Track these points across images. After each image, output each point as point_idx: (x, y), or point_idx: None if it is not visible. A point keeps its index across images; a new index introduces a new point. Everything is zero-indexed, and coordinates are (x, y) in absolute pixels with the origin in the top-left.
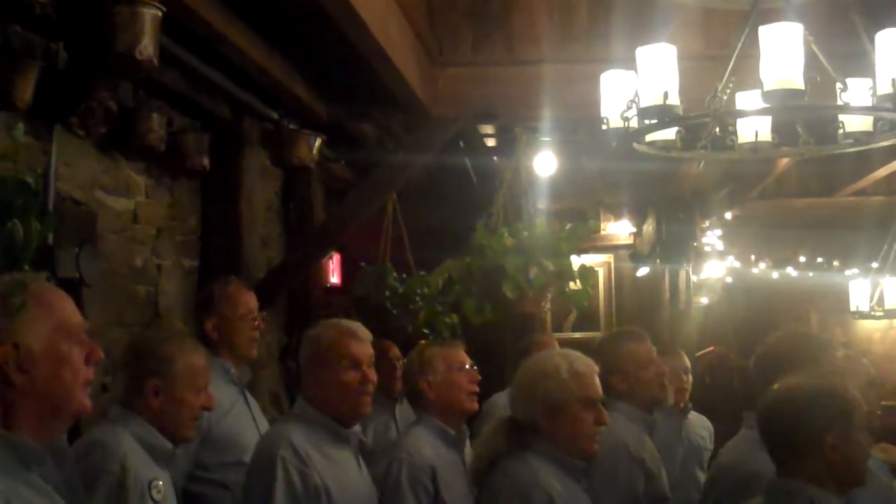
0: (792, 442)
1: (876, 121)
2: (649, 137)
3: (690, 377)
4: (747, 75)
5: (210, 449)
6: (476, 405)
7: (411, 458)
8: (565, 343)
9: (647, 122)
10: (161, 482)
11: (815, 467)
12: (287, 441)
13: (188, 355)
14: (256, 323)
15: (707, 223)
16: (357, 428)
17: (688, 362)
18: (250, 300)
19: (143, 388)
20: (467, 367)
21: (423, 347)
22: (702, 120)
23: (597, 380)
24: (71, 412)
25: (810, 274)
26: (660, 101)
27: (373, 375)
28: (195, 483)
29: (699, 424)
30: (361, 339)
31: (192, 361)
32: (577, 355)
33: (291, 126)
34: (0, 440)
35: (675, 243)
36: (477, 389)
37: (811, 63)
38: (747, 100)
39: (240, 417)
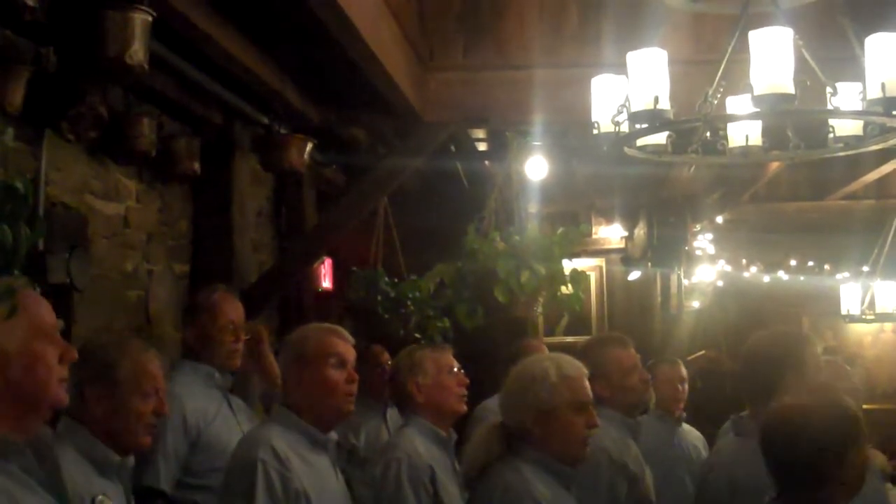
0: (814, 462)
1: (866, 125)
2: (640, 142)
3: (686, 387)
4: (737, 79)
5: (200, 455)
6: (465, 407)
7: (410, 458)
8: (557, 347)
9: (637, 126)
10: (106, 497)
11: (834, 485)
12: (267, 444)
13: (132, 359)
14: (237, 335)
15: (698, 227)
16: (333, 435)
17: (684, 372)
18: (233, 311)
19: (85, 396)
20: (455, 370)
21: (411, 350)
22: (692, 124)
23: (586, 382)
24: (47, 406)
25: (801, 277)
26: (650, 106)
27: (356, 376)
28: (186, 490)
29: (695, 435)
30: (347, 340)
31: (138, 365)
32: (566, 359)
33: (282, 131)
34: None
35: (666, 247)
36: (465, 392)
37: (801, 67)
38: (737, 104)
39: (227, 422)
